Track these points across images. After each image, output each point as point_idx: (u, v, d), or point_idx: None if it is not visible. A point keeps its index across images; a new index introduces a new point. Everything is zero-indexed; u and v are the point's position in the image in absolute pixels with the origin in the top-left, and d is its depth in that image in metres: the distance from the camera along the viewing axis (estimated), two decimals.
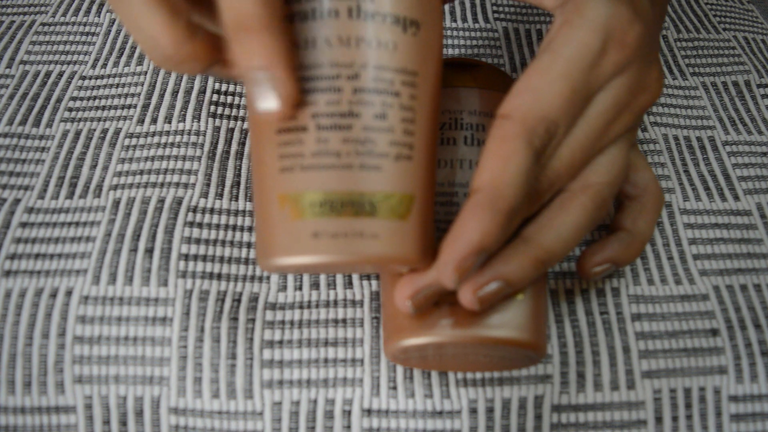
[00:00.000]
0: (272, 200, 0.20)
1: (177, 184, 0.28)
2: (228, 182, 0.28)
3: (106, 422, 0.24)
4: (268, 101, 0.18)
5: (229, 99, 0.31)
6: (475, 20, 0.36)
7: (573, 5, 0.20)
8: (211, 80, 0.32)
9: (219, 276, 0.26)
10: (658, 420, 0.24)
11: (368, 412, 0.24)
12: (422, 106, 0.20)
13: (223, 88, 0.32)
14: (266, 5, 0.18)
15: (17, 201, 0.27)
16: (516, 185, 0.19)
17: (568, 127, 0.20)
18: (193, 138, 0.30)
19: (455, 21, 0.36)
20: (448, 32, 0.35)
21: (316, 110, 0.19)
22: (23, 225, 0.27)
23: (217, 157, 0.29)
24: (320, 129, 0.19)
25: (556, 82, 0.20)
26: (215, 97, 0.31)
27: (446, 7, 0.36)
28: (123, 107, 0.31)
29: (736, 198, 0.30)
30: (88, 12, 0.35)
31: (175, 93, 0.31)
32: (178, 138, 0.30)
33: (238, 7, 0.18)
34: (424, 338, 0.21)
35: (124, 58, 0.33)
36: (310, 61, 0.20)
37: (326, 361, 0.25)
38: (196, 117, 0.30)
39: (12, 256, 0.26)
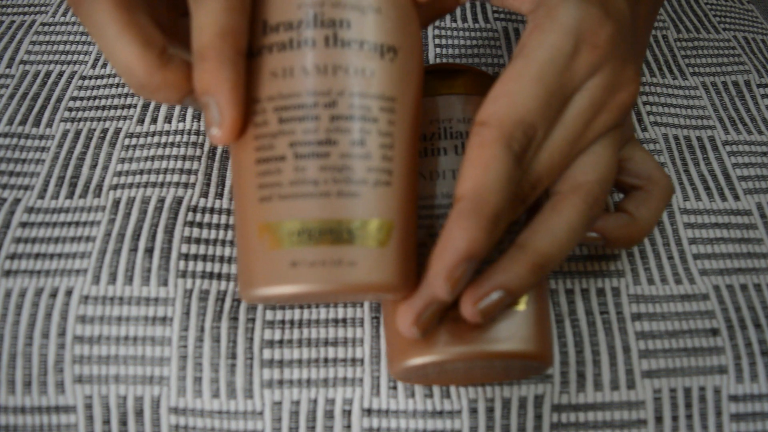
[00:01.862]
0: (252, 230, 0.20)
1: (177, 184, 0.28)
2: (228, 182, 0.28)
3: (106, 422, 0.24)
4: (212, 126, 0.19)
5: None
6: (475, 20, 0.36)
7: (544, 9, 0.21)
8: None
9: (219, 276, 0.26)
10: (658, 420, 0.24)
11: (368, 411, 0.24)
12: (401, 131, 0.20)
13: None
14: (224, 38, 0.19)
15: (17, 201, 0.27)
16: (498, 190, 0.19)
17: (546, 129, 0.20)
18: (193, 138, 0.30)
19: (455, 21, 0.36)
20: (448, 32, 0.35)
21: (293, 139, 0.19)
22: (23, 225, 0.27)
23: (217, 157, 0.29)
24: (298, 158, 0.19)
25: (530, 86, 0.20)
26: None
27: None
28: (123, 107, 0.31)
29: (737, 198, 0.29)
30: None
31: None
32: (178, 138, 0.30)
33: (199, 39, 0.19)
34: (429, 357, 0.21)
35: None
36: (288, 90, 0.20)
37: (326, 360, 0.25)
38: (196, 117, 0.30)
39: (12, 256, 0.26)
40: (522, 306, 0.21)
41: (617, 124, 0.23)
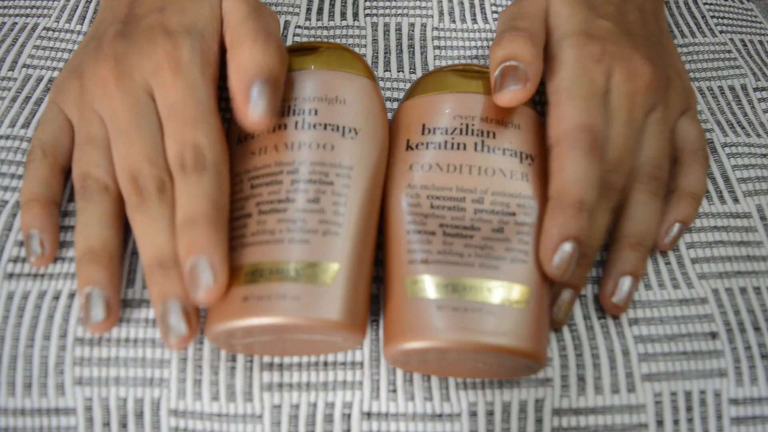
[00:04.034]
0: None
1: None
2: None
3: (106, 424, 0.24)
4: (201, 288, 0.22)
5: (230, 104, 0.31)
6: (474, 21, 0.36)
7: (552, 61, 0.27)
8: None
9: None
10: (659, 423, 0.24)
11: (368, 415, 0.24)
12: (355, 193, 0.23)
13: (224, 94, 0.32)
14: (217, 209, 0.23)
15: (19, 203, 0.27)
16: (577, 180, 0.23)
17: (601, 122, 0.25)
18: None
19: (454, 22, 0.36)
20: (447, 33, 0.35)
21: (260, 200, 0.23)
22: None
23: None
24: (261, 213, 0.23)
25: (567, 103, 0.25)
26: None
27: (445, 8, 0.36)
28: None
29: (736, 200, 0.29)
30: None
31: None
32: None
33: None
34: (424, 342, 0.21)
35: None
36: (260, 163, 0.24)
37: (326, 364, 0.25)
38: None
39: (15, 260, 0.26)
40: (523, 305, 0.22)
41: (656, 102, 0.28)
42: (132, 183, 0.24)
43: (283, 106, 0.25)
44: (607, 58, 0.26)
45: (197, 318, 0.23)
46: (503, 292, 0.22)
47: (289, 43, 0.28)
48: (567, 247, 0.22)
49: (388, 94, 0.32)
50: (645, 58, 0.27)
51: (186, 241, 0.22)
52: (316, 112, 0.25)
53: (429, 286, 0.22)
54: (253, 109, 0.23)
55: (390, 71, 0.33)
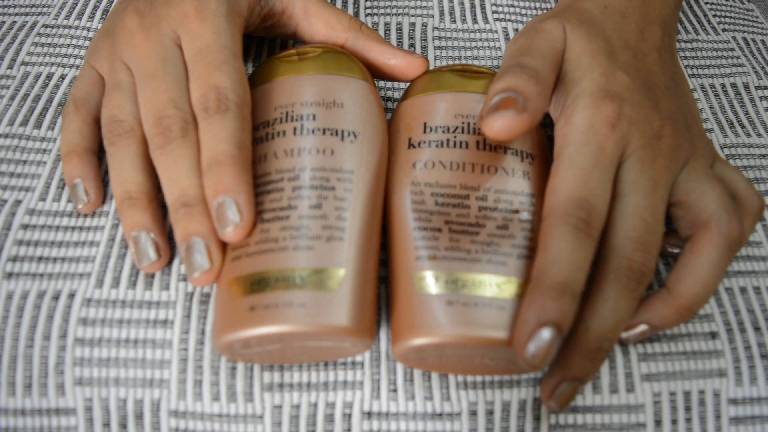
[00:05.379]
0: (223, 286, 0.23)
1: None
2: None
3: (106, 425, 0.24)
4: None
5: None
6: (475, 21, 0.36)
7: (564, 118, 0.24)
8: None
9: None
10: (658, 423, 0.24)
11: (368, 414, 0.24)
12: (358, 197, 0.23)
13: None
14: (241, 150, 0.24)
15: (18, 202, 0.27)
16: (557, 262, 0.21)
17: (601, 194, 0.23)
18: None
19: (455, 22, 0.36)
20: (448, 33, 0.35)
21: (261, 208, 0.23)
22: (25, 227, 0.27)
23: None
24: (264, 222, 0.23)
25: (566, 172, 0.23)
26: None
27: (446, 7, 0.36)
28: None
29: None
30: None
31: None
32: None
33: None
34: (434, 338, 0.21)
35: None
36: (261, 171, 0.24)
37: (326, 364, 0.25)
38: None
39: (14, 259, 0.26)
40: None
41: (686, 158, 0.25)
42: (156, 124, 0.24)
43: (279, 112, 0.25)
44: (623, 122, 0.24)
45: (220, 254, 0.23)
46: (512, 287, 0.22)
47: (289, 50, 0.28)
48: (545, 334, 0.20)
49: (389, 94, 0.32)
50: (665, 119, 0.25)
51: (212, 182, 0.23)
52: (314, 117, 0.25)
53: (438, 282, 0.22)
54: None
55: None
